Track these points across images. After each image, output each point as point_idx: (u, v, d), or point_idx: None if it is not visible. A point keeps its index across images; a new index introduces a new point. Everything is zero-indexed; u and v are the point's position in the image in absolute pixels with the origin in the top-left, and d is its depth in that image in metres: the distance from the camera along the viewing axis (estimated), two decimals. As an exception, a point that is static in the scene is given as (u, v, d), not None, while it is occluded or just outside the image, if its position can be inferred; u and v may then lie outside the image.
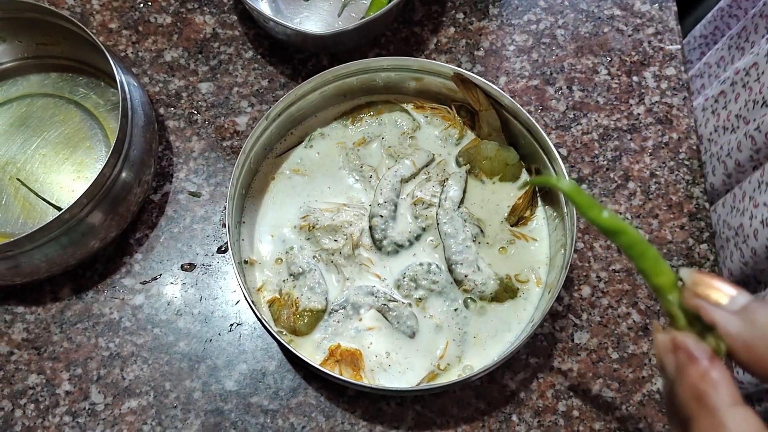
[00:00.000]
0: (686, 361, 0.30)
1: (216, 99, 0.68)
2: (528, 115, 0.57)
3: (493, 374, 0.59)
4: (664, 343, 0.32)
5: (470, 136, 0.63)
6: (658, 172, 0.67)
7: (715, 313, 0.31)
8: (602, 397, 0.59)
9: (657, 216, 0.65)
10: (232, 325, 0.60)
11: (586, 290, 0.62)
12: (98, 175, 0.54)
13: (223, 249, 0.63)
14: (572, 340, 0.60)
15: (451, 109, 0.63)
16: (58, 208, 0.61)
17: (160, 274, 0.62)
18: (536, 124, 0.57)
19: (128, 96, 0.57)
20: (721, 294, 0.31)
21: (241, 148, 0.65)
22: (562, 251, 0.56)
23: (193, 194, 0.65)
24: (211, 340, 0.60)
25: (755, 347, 0.30)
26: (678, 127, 0.69)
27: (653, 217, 0.65)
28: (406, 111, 0.63)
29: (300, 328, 0.56)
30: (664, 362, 0.32)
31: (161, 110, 0.67)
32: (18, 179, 0.62)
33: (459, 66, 0.68)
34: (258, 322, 0.60)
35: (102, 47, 0.58)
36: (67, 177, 0.63)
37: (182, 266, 0.62)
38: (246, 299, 0.53)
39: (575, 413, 0.58)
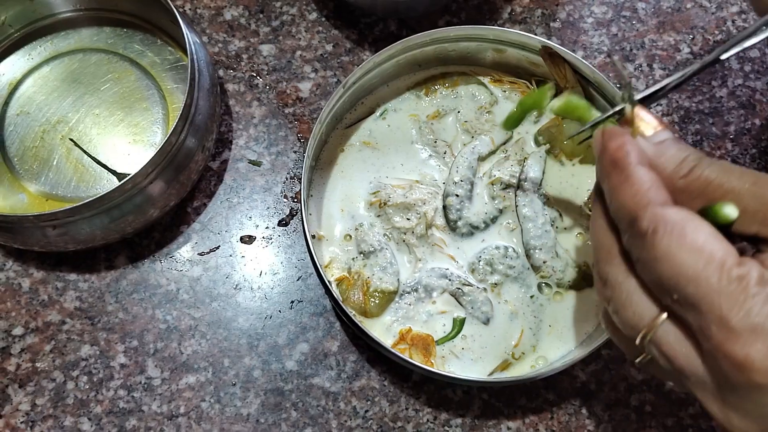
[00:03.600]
0: (608, 139, 0.37)
1: (278, 62, 0.64)
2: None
3: (563, 364, 0.57)
4: (596, 133, 0.39)
5: (550, 113, 0.59)
6: (739, 160, 0.63)
7: (639, 139, 0.38)
8: (676, 392, 0.56)
9: (738, 206, 0.62)
10: (293, 302, 0.58)
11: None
12: (164, 143, 0.51)
13: (284, 222, 0.60)
14: (646, 333, 0.58)
15: (531, 84, 0.59)
16: (115, 173, 0.58)
17: (219, 246, 0.59)
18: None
19: (195, 56, 0.54)
20: (648, 127, 0.39)
21: (304, 115, 0.62)
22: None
23: (254, 163, 0.61)
24: (271, 317, 0.57)
25: (655, 170, 0.36)
26: (761, 113, 0.65)
27: (734, 206, 0.62)
28: (483, 84, 0.60)
29: (371, 310, 0.53)
30: (595, 149, 0.39)
31: (220, 72, 0.64)
32: (71, 139, 0.59)
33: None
34: (322, 300, 0.58)
35: (165, 1, 0.55)
36: (121, 139, 0.59)
37: (242, 238, 0.59)
38: (320, 277, 0.50)
39: (648, 408, 0.56)
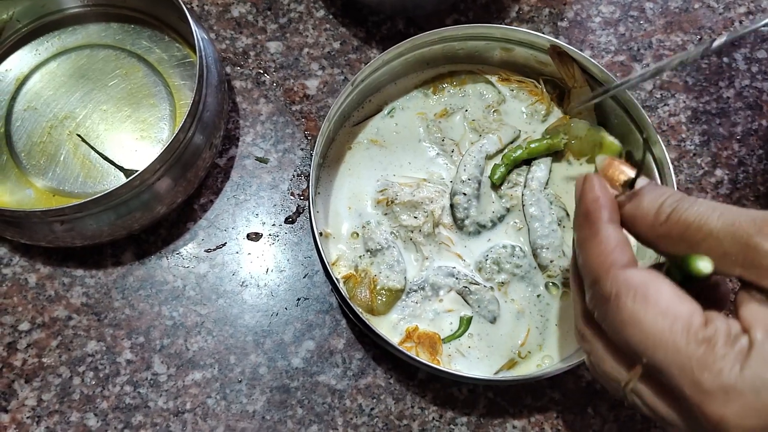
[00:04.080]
0: (587, 189, 0.38)
1: (285, 60, 0.64)
2: (630, 94, 0.54)
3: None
4: (578, 180, 0.39)
5: (557, 112, 0.59)
6: (746, 161, 0.63)
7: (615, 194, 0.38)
8: (681, 392, 0.56)
9: (744, 207, 0.62)
10: (299, 299, 0.58)
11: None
12: (173, 140, 0.51)
13: (291, 219, 0.60)
14: (652, 333, 0.58)
15: (539, 83, 0.59)
16: (122, 169, 0.58)
17: (225, 243, 0.59)
18: (638, 103, 0.53)
19: (203, 53, 0.54)
20: (623, 176, 0.39)
21: (311, 113, 0.62)
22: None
23: (261, 160, 0.61)
24: (277, 314, 0.57)
25: (635, 220, 0.37)
26: (768, 114, 0.65)
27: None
28: (491, 83, 0.60)
29: (377, 308, 0.53)
30: (576, 194, 0.39)
31: (228, 69, 0.64)
32: (78, 135, 0.59)
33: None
34: (329, 297, 0.58)
35: (175, -2, 0.55)
36: (129, 135, 0.59)
37: (248, 235, 0.59)
38: (327, 274, 0.50)
39: (653, 408, 0.56)
